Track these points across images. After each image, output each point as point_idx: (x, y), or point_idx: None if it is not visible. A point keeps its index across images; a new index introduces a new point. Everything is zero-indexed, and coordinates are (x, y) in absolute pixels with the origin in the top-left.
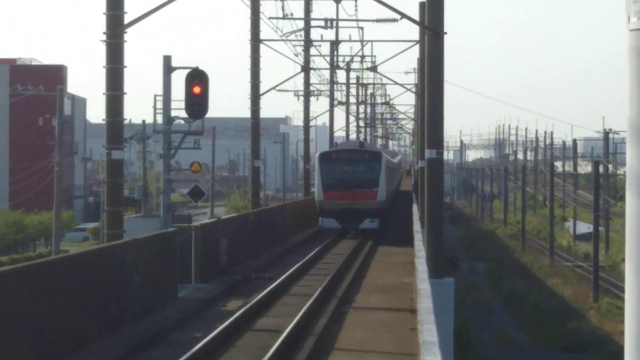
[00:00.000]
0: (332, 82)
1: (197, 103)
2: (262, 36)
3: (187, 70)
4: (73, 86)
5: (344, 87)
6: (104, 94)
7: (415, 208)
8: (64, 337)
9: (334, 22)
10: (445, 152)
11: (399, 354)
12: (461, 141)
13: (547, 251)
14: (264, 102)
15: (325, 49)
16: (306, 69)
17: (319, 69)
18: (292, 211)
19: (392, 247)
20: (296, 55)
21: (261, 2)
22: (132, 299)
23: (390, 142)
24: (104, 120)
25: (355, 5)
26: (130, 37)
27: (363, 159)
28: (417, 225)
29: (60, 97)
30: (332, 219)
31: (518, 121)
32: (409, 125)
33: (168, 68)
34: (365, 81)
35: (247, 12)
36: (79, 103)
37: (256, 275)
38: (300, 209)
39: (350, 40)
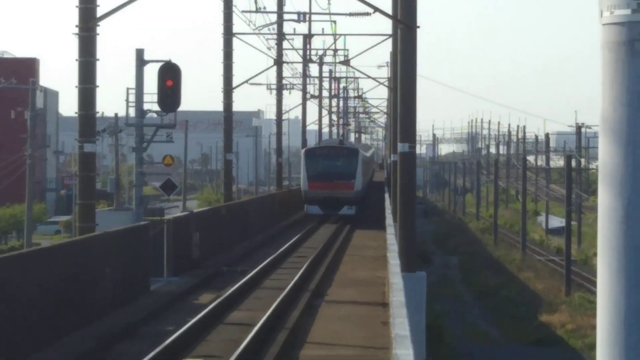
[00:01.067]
0: (305, 75)
1: (169, 96)
2: (235, 30)
3: (160, 64)
4: (45, 79)
5: (316, 81)
6: (76, 87)
7: (387, 198)
8: (35, 331)
9: (307, 16)
10: (417, 146)
11: (371, 348)
12: (434, 135)
13: (519, 245)
14: (236, 95)
15: (298, 42)
16: (279, 62)
17: (291, 62)
18: (265, 205)
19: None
20: (269, 48)
21: None
22: (104, 292)
23: (363, 136)
24: (76, 113)
25: None
26: (103, 30)
27: (342, 154)
28: (389, 219)
29: (33, 90)
30: (316, 206)
31: (491, 115)
32: (382, 119)
33: (141, 61)
34: (338, 75)
35: (220, 5)
36: (52, 96)
37: (228, 269)
38: (273, 203)
39: (323, 34)
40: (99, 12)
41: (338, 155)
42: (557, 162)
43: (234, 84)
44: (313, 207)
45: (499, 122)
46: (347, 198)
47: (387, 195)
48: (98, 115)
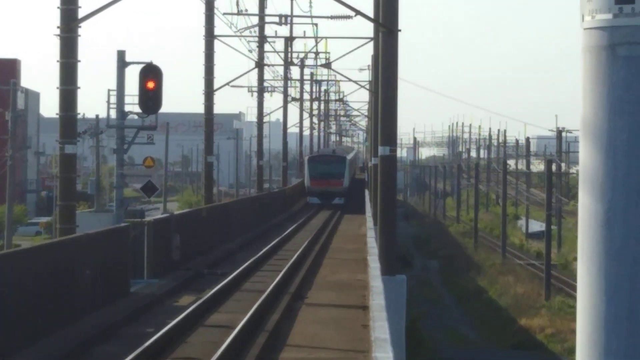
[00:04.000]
0: (286, 78)
1: (150, 98)
2: (216, 32)
3: (141, 65)
4: (27, 80)
5: (298, 84)
6: (57, 88)
7: (367, 194)
8: (13, 332)
9: (289, 19)
10: (398, 150)
11: (351, 351)
12: (414, 138)
13: (499, 249)
14: (217, 97)
15: (280, 45)
16: (260, 65)
17: (273, 65)
18: (246, 208)
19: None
20: (250, 51)
21: None
22: (83, 294)
23: (344, 139)
24: (57, 114)
25: (310, 2)
26: (85, 31)
27: (334, 160)
28: (370, 223)
29: (14, 91)
30: (315, 197)
31: (471, 119)
32: (363, 122)
33: (122, 63)
34: (319, 78)
35: (202, 7)
36: (33, 97)
37: (208, 271)
38: (255, 204)
39: (304, 37)
40: (81, 13)
41: (331, 161)
42: (538, 166)
43: (215, 86)
44: (314, 198)
45: (479, 126)
46: (338, 191)
47: (366, 191)
48: (79, 116)
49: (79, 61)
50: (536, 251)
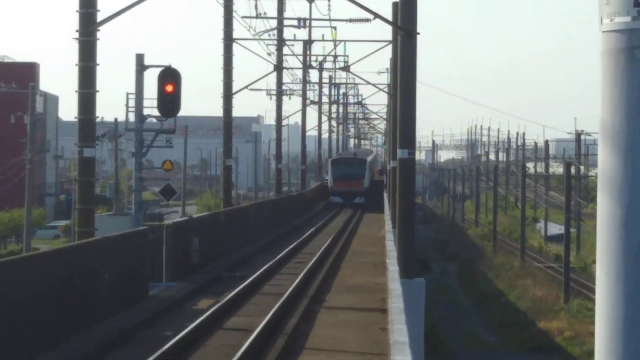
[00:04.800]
0: (305, 81)
1: (169, 101)
2: (235, 35)
3: (160, 69)
4: (45, 84)
5: (316, 87)
6: (76, 91)
7: (385, 195)
8: (33, 336)
9: (307, 22)
10: (417, 153)
11: (370, 354)
12: (433, 141)
13: (518, 252)
14: (236, 101)
15: (298, 48)
16: (279, 68)
17: (291, 68)
18: (265, 211)
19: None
20: (269, 54)
21: (234, 1)
22: (102, 298)
23: (362, 142)
24: (76, 118)
25: (329, 5)
26: (103, 35)
27: (356, 162)
28: (388, 226)
29: (33, 94)
30: (338, 197)
31: (490, 122)
32: (381, 125)
33: (141, 66)
34: (337, 81)
35: (220, 10)
36: (51, 101)
37: (227, 274)
38: (274, 207)
39: (323, 40)
40: (99, 17)
41: (353, 163)
42: (557, 169)
43: (234, 90)
44: (336, 197)
45: (498, 129)
46: (359, 191)
47: (384, 192)
48: (98, 120)
49: (98, 65)
50: (555, 254)
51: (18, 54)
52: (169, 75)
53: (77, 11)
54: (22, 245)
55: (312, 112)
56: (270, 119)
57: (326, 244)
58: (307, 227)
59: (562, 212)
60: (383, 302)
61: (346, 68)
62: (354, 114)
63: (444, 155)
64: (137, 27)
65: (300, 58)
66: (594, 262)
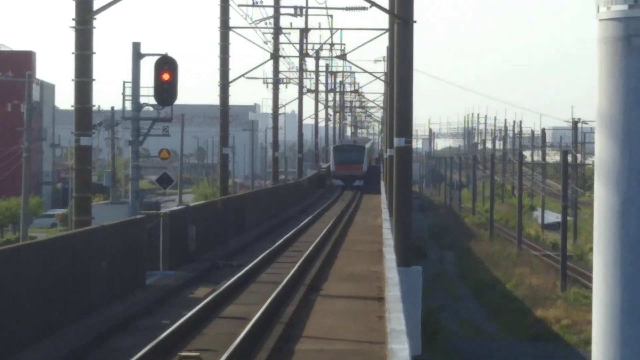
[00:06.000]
0: (302, 69)
1: (166, 90)
2: (231, 23)
3: (157, 57)
4: (42, 72)
5: (313, 75)
6: (72, 80)
7: (382, 182)
8: (30, 323)
9: (304, 10)
10: (414, 141)
11: (367, 342)
12: (430, 130)
13: (515, 240)
14: (233, 89)
15: (295, 36)
16: (275, 56)
17: (288, 56)
18: (262, 199)
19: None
20: (265, 42)
21: None
22: (100, 286)
23: (359, 130)
24: (72, 106)
25: None
26: (100, 23)
27: (355, 149)
28: (385, 214)
29: (29, 83)
30: (340, 179)
31: (487, 110)
32: (378, 114)
33: (137, 55)
34: (334, 69)
35: None
36: (48, 89)
37: (224, 263)
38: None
39: (319, 28)
40: (96, 5)
41: (353, 150)
42: (553, 157)
43: (231, 78)
44: (337, 180)
45: (495, 117)
46: (358, 175)
47: (382, 183)
48: (94, 108)
49: (94, 53)
50: (552, 242)
51: (14, 43)
52: (166, 64)
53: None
54: (19, 233)
55: (308, 101)
56: (267, 108)
57: (323, 232)
58: (304, 215)
59: (559, 200)
60: (380, 290)
61: (343, 56)
62: (351, 102)
63: (440, 144)
64: (133, 15)
65: (297, 46)
66: (590, 250)
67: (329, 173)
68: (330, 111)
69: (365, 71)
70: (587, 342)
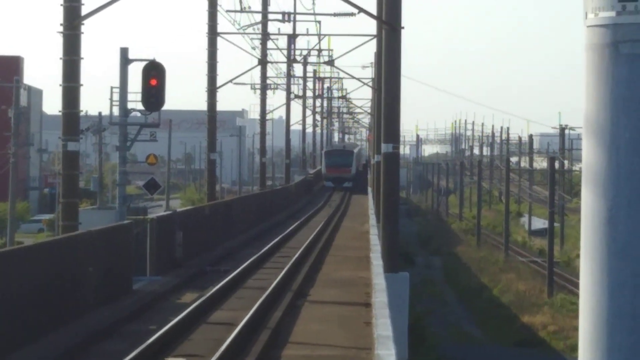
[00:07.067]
0: (289, 75)
1: (153, 95)
2: (219, 29)
3: (144, 63)
4: (29, 77)
5: (300, 81)
6: (60, 85)
7: (369, 189)
8: (17, 329)
9: (292, 16)
10: (401, 147)
11: (354, 348)
12: (417, 136)
13: (502, 246)
14: (220, 95)
15: (283, 42)
16: (263, 62)
17: (276, 62)
18: (249, 205)
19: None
20: (253, 48)
21: None
22: (87, 291)
23: (347, 136)
24: (60, 111)
25: None
26: (88, 28)
27: (345, 153)
28: (372, 220)
29: (17, 88)
30: (330, 181)
31: (475, 116)
32: (366, 120)
33: (125, 60)
34: (322, 75)
35: (205, 4)
36: (36, 94)
37: (211, 268)
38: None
39: (307, 34)
40: (84, 10)
41: (342, 154)
42: (541, 163)
43: (218, 84)
44: (328, 182)
45: (482, 124)
46: (347, 177)
47: (369, 188)
48: (82, 113)
49: (82, 58)
50: (539, 248)
51: (2, 48)
52: (153, 69)
53: (61, 5)
54: (5, 239)
55: (296, 107)
56: (254, 113)
57: (310, 237)
58: (292, 220)
59: (546, 207)
60: (367, 296)
61: (330, 62)
62: (339, 108)
63: (428, 150)
64: (121, 21)
65: (285, 52)
66: (577, 256)
67: (319, 177)
68: (318, 117)
69: (353, 77)
70: (574, 348)
